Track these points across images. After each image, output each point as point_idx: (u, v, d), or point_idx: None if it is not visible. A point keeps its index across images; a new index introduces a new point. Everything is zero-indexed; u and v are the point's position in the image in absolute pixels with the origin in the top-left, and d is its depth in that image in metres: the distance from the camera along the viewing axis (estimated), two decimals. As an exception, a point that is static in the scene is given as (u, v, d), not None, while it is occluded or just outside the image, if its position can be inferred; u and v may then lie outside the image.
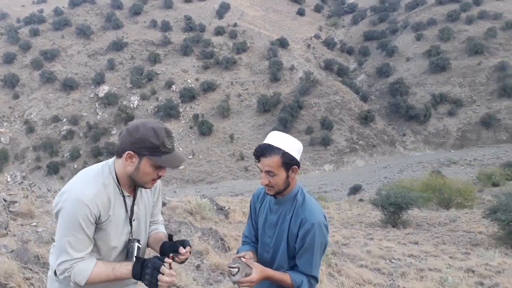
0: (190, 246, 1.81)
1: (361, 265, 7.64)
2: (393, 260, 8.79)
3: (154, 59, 78.02)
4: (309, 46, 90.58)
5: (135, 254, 1.79)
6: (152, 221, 2.03)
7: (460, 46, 73.03)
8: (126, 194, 1.79)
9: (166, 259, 1.69)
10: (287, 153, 1.88)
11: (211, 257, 5.28)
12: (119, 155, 1.73)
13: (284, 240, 1.96)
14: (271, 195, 1.98)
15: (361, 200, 29.24)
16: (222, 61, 76.70)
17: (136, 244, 1.81)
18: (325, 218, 1.97)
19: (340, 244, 10.25)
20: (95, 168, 1.78)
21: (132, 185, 1.80)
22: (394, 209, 16.67)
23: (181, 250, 1.77)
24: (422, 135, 62.30)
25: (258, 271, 1.84)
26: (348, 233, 13.31)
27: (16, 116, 71.23)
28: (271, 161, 1.87)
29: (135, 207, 1.84)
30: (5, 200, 5.66)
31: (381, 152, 60.07)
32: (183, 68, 77.03)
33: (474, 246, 12.41)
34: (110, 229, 1.74)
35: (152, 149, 1.68)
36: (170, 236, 1.90)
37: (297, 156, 1.92)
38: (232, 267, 1.75)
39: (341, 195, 37.99)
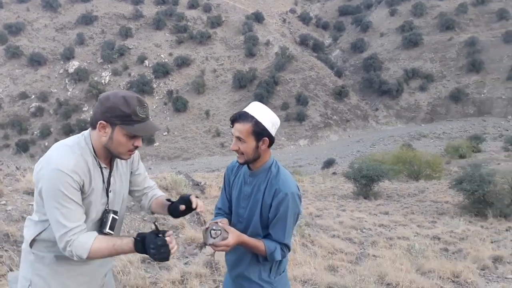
0: (197, 197, 1.89)
1: (334, 235, 7.89)
2: (364, 230, 9.12)
3: (126, 33, 75.42)
4: (284, 20, 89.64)
5: (108, 225, 1.79)
6: (144, 188, 2.05)
7: (433, 22, 74.01)
8: (103, 165, 1.78)
9: (168, 237, 1.66)
10: (259, 122, 1.90)
11: (187, 231, 5.33)
12: (93, 126, 1.71)
13: (257, 210, 1.99)
14: (241, 163, 2.01)
15: (334, 173, 29.87)
16: (196, 35, 74.98)
17: (111, 215, 1.80)
18: (298, 188, 2.02)
19: (314, 215, 10.52)
20: (71, 140, 1.76)
21: (108, 157, 1.79)
22: (365, 182, 17.15)
23: (195, 206, 1.88)
24: (394, 110, 63.65)
25: (234, 235, 1.86)
26: (321, 205, 13.65)
27: (-20, 93, 67.99)
28: (242, 127, 1.90)
29: (111, 178, 1.83)
30: (-30, 179, 5.48)
31: (355, 126, 61.14)
32: (156, 43, 74.91)
33: (441, 215, 13.01)
34: (91, 200, 1.73)
35: (124, 118, 1.66)
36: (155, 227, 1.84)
37: (271, 129, 1.94)
38: (214, 229, 1.78)
39: (315, 169, 38.66)
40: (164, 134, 59.54)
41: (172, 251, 1.65)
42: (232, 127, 1.95)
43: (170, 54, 72.17)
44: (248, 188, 2.04)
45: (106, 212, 1.80)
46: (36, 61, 70.98)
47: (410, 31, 71.31)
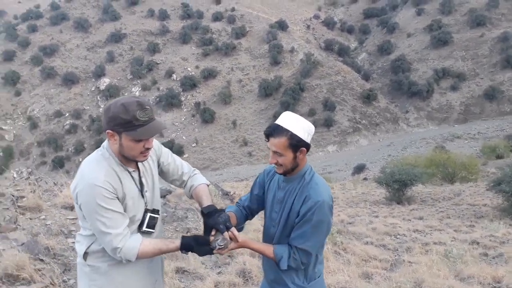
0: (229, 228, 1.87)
1: (367, 242, 7.73)
2: (398, 236, 8.88)
3: (153, 49, 77.55)
4: (308, 27, 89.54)
5: (145, 224, 1.89)
6: (181, 175, 2.11)
7: (462, 19, 71.84)
8: (130, 169, 1.85)
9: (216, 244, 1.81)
10: (295, 135, 1.90)
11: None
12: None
13: (288, 215, 2.01)
14: (280, 174, 2.03)
15: (365, 179, 29.31)
16: (221, 47, 76.08)
17: (149, 214, 1.89)
18: (331, 199, 2.00)
19: (346, 223, 10.36)
20: (96, 154, 1.85)
21: (130, 160, 1.85)
22: (398, 186, 16.72)
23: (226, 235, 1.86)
24: (425, 111, 61.93)
25: (240, 243, 1.92)
26: (353, 211, 13.42)
27: (19, 113, 71.46)
28: (278, 142, 1.91)
29: (142, 179, 1.90)
30: (13, 196, 5.75)
31: (384, 130, 59.88)
32: (182, 56, 76.56)
33: (479, 218, 12.49)
34: (128, 204, 1.82)
35: (125, 125, 1.70)
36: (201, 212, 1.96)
37: (306, 138, 1.94)
38: (221, 246, 1.84)
39: (345, 175, 38.06)
40: (193, 145, 60.42)
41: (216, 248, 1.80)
42: (268, 141, 1.96)
43: (197, 67, 73.51)
44: (281, 193, 2.06)
45: (144, 212, 1.89)
46: (70, 80, 74.07)
47: (438, 30, 69.44)
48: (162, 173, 2.11)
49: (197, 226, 6.02)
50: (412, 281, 4.67)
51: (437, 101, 62.26)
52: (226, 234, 1.83)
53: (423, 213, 13.57)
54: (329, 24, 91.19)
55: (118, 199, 1.77)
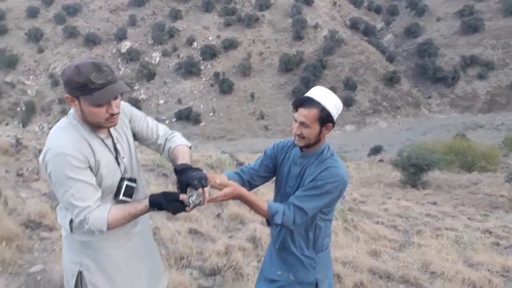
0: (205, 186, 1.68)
1: (378, 222, 7.75)
2: (410, 219, 8.87)
3: (176, 16, 76.78)
4: (335, 3, 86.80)
5: (122, 192, 1.76)
6: (157, 139, 1.95)
7: (496, 6, 68.61)
8: (102, 136, 1.74)
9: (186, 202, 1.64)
10: (325, 109, 1.90)
11: (231, 207, 5.48)
12: None
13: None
14: (299, 146, 2.01)
15: (381, 160, 29.06)
16: (244, 18, 74.77)
17: (125, 182, 1.76)
18: (347, 178, 1.98)
19: (358, 201, 10.37)
20: (63, 122, 1.72)
21: (99, 127, 1.72)
22: (414, 170, 16.55)
23: (202, 194, 1.69)
24: (448, 98, 60.35)
25: (232, 188, 1.84)
26: (366, 191, 13.40)
27: (42, 70, 72.45)
28: (308, 113, 1.90)
29: (117, 145, 1.79)
30: (35, 148, 5.92)
31: (405, 114, 58.80)
32: (204, 25, 75.69)
33: (494, 208, 12.32)
34: (103, 173, 1.70)
35: (80, 88, 1.57)
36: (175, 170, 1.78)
37: (335, 115, 1.94)
38: (196, 203, 1.66)
39: (361, 155, 37.83)
40: (210, 115, 60.62)
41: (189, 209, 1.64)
42: (296, 111, 1.94)
43: (218, 37, 72.70)
44: (297, 168, 2.06)
45: (120, 180, 1.77)
46: (91, 41, 74.33)
47: (470, 16, 66.61)
48: (136, 138, 1.95)
49: (210, 191, 6.10)
50: (419, 262, 4.68)
51: (462, 88, 60.49)
52: (200, 190, 1.65)
53: (437, 199, 13.45)
54: (356, 2, 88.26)
55: (91, 169, 1.65)
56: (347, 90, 59.00)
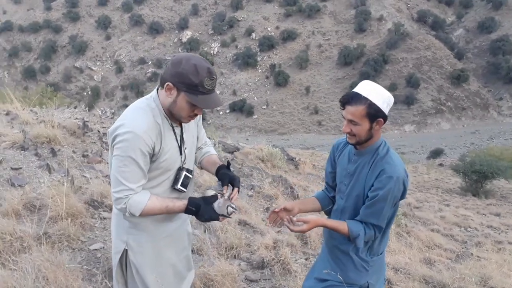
0: (238, 188, 1.86)
1: (433, 229, 7.40)
2: (469, 229, 8.37)
3: (237, 5, 77.63)
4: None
5: (180, 182, 1.85)
6: (202, 143, 2.09)
7: None
8: (174, 125, 1.82)
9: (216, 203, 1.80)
10: (373, 104, 1.82)
11: (280, 202, 5.47)
12: (162, 86, 1.73)
13: (359, 188, 1.96)
14: (351, 144, 1.97)
15: (441, 165, 27.63)
16: (305, 8, 73.83)
17: (184, 172, 1.85)
18: (406, 173, 1.92)
19: (413, 206, 9.95)
20: (142, 102, 1.80)
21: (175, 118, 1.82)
22: (477, 177, 15.61)
23: (226, 192, 1.85)
24: (522, 101, 55.72)
25: (310, 224, 1.89)
26: (422, 196, 12.82)
27: (108, 56, 76.90)
28: (355, 110, 1.83)
29: (184, 135, 1.87)
30: (99, 131, 6.29)
31: (471, 116, 55.12)
32: (264, 15, 75.78)
33: None
34: (165, 158, 1.78)
35: (190, 86, 1.65)
36: (228, 163, 1.96)
37: (385, 109, 1.85)
38: (234, 210, 1.81)
39: (419, 158, 36.25)
40: (263, 107, 60.86)
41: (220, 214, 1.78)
42: (343, 109, 1.89)
43: (277, 27, 72.48)
44: (352, 166, 2.01)
45: (179, 170, 1.85)
46: (155, 29, 77.50)
47: (556, 10, 60.65)
48: None
49: (260, 185, 6.16)
50: (478, 275, 4.38)
51: (539, 91, 55.53)
52: (226, 192, 1.83)
53: (501, 210, 12.53)
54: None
55: (152, 155, 1.74)
56: (408, 87, 56.42)
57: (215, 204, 1.78)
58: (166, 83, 1.69)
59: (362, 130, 1.86)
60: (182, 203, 1.78)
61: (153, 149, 1.73)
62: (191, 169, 1.92)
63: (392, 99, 1.88)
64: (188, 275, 2.12)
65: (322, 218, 1.95)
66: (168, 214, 1.83)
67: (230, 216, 1.80)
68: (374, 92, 1.83)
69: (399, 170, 1.86)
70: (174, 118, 1.80)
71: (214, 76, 1.70)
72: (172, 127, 1.81)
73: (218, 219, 1.79)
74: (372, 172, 1.91)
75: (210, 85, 1.68)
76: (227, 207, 1.79)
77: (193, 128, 1.96)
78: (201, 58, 1.71)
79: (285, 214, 1.97)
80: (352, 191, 1.99)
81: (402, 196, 1.92)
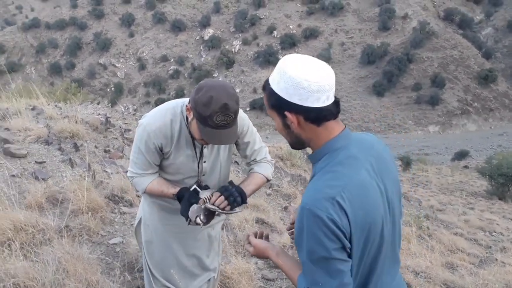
0: (226, 197, 1.78)
1: (456, 233, 7.21)
2: (494, 234, 8.13)
3: (259, 3, 77.52)
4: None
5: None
6: (251, 160, 2.05)
7: None
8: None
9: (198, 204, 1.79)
10: (272, 90, 1.21)
11: (298, 201, 5.43)
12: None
13: None
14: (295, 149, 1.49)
15: (466, 167, 26.96)
16: (328, 6, 73.05)
17: (194, 186, 1.84)
18: (323, 201, 1.11)
19: (435, 209, 9.73)
20: (170, 104, 1.87)
21: None
22: (504, 181, 15.20)
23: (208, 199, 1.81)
24: (554, 102, 53.62)
25: (257, 248, 1.40)
26: (445, 199, 12.53)
27: (131, 53, 78.15)
28: (264, 100, 1.29)
29: (205, 150, 1.88)
30: (121, 127, 6.39)
31: (499, 117, 53.44)
32: (286, 13, 75.42)
33: None
34: (177, 162, 1.87)
35: (200, 116, 1.63)
36: (230, 181, 1.95)
37: (292, 97, 1.17)
38: (199, 222, 1.77)
39: (443, 159, 35.41)
40: (285, 105, 60.70)
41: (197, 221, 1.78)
42: None
43: (299, 25, 72.02)
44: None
45: (194, 182, 1.90)
46: (177, 27, 78.24)
47: None
48: (237, 148, 2.06)
49: (279, 183, 6.12)
50: (502, 282, 4.25)
51: None
52: (202, 202, 1.77)
53: (529, 215, 12.11)
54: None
55: (160, 153, 1.84)
56: (434, 87, 55.13)
57: (193, 206, 1.78)
58: (186, 105, 1.74)
59: (278, 128, 1.28)
60: (174, 190, 1.86)
61: (161, 149, 1.83)
62: (209, 186, 1.91)
63: (301, 79, 1.15)
64: (203, 274, 2.17)
65: (276, 250, 1.36)
66: (165, 197, 1.91)
67: (197, 224, 1.77)
68: (280, 72, 1.20)
69: (314, 196, 1.15)
70: None
71: (230, 113, 1.60)
72: (193, 138, 1.83)
73: (187, 220, 1.81)
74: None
75: (221, 121, 1.61)
76: (196, 216, 1.77)
77: (221, 147, 1.95)
78: (225, 90, 1.62)
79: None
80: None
81: (339, 239, 1.11)
